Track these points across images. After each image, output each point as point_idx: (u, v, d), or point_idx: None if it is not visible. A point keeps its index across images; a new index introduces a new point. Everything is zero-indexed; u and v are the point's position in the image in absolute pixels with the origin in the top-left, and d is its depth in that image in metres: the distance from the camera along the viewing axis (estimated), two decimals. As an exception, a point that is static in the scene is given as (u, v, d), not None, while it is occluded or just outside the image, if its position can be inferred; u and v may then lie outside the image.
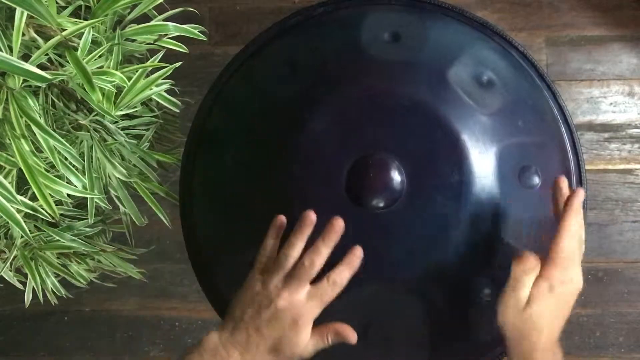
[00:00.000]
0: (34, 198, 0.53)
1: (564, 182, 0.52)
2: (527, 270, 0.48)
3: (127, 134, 0.66)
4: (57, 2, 0.52)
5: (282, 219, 0.52)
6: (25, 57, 0.49)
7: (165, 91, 0.63)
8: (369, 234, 0.54)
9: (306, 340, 0.48)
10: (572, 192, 0.50)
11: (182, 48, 0.62)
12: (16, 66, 0.44)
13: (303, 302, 0.48)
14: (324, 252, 0.48)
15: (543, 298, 0.48)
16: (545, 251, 0.49)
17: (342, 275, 0.49)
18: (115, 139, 0.63)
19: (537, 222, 0.57)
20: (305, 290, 0.48)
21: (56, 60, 0.53)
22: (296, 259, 0.49)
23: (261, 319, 0.47)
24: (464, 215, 0.53)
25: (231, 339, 0.47)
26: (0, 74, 0.49)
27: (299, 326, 0.47)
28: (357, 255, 0.49)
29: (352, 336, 0.49)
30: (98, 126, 0.61)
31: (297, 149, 0.55)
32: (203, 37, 0.62)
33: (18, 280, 0.74)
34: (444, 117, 0.54)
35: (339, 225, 0.49)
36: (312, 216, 0.50)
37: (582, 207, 0.51)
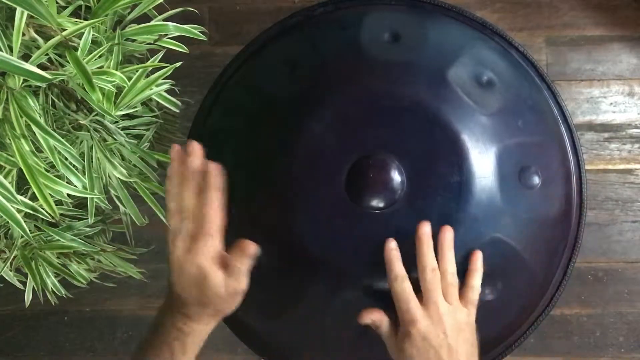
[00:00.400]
0: (34, 198, 0.53)
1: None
2: (379, 325, 0.52)
3: (127, 134, 0.66)
4: (57, 2, 0.52)
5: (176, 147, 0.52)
6: (26, 57, 0.49)
7: (166, 91, 0.63)
8: (369, 234, 0.54)
9: (219, 278, 0.49)
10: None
11: (182, 48, 0.62)
12: (16, 66, 0.44)
13: (197, 249, 0.48)
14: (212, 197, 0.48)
15: (407, 344, 0.49)
16: None
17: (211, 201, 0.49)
18: (115, 139, 0.63)
19: (537, 222, 0.57)
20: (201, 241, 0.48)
21: (56, 60, 0.53)
22: (189, 208, 0.49)
23: (174, 280, 0.49)
24: (463, 215, 0.53)
25: (170, 309, 0.50)
26: (0, 74, 0.49)
27: (203, 273, 0.48)
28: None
29: (251, 247, 0.50)
30: (98, 126, 0.61)
31: (297, 149, 0.55)
32: (203, 37, 0.62)
33: (18, 280, 0.74)
34: (443, 117, 0.54)
35: (195, 152, 0.50)
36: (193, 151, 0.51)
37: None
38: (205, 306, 0.50)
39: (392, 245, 0.52)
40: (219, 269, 0.49)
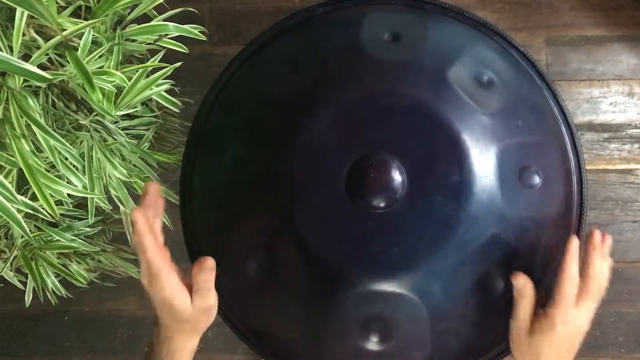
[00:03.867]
0: (34, 198, 0.53)
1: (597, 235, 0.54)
2: (521, 295, 0.52)
3: (127, 134, 0.66)
4: (57, 2, 0.52)
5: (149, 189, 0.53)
6: (26, 57, 0.49)
7: (166, 91, 0.63)
8: (369, 234, 0.54)
9: (184, 304, 0.50)
10: (571, 238, 0.53)
11: (182, 48, 0.62)
12: (16, 66, 0.44)
13: (154, 285, 0.50)
14: (139, 220, 0.49)
15: (542, 333, 0.51)
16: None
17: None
18: (116, 139, 0.63)
19: (537, 222, 0.57)
20: (146, 266, 0.50)
21: (56, 60, 0.53)
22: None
23: (153, 307, 0.52)
24: (464, 215, 0.53)
25: (157, 331, 0.53)
26: (0, 74, 0.49)
27: (168, 302, 0.50)
28: None
29: (208, 261, 0.51)
30: (98, 126, 0.61)
31: (297, 149, 0.55)
32: (203, 37, 0.62)
33: (18, 280, 0.74)
34: (444, 117, 0.54)
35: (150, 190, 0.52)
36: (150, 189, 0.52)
37: (598, 252, 0.53)
38: (182, 327, 0.52)
39: (576, 241, 0.53)
40: (183, 294, 0.51)
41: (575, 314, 0.51)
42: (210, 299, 0.52)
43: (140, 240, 0.50)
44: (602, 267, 0.53)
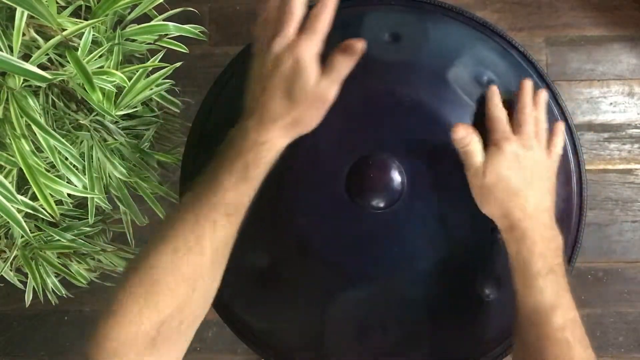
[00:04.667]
0: (34, 198, 0.53)
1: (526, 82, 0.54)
2: (462, 137, 0.49)
3: (127, 134, 0.66)
4: (57, 2, 0.52)
5: None
6: (26, 57, 0.49)
7: (166, 91, 0.63)
8: (369, 234, 0.54)
9: (314, 74, 0.46)
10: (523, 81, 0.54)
11: (182, 48, 0.62)
12: (16, 66, 0.44)
13: (299, 43, 0.46)
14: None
15: (494, 157, 0.49)
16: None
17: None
18: (116, 139, 0.63)
19: (537, 222, 0.57)
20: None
21: (56, 60, 0.53)
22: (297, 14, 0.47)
23: (258, 84, 0.47)
24: (464, 215, 0.53)
25: (242, 125, 0.47)
26: (0, 74, 0.49)
27: (300, 66, 0.45)
28: None
29: (358, 44, 0.46)
30: (98, 126, 0.61)
31: (297, 149, 0.55)
32: (203, 37, 0.62)
33: (18, 280, 0.74)
34: (444, 117, 0.54)
35: None
36: None
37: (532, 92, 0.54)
38: (286, 110, 0.46)
39: (495, 89, 0.53)
40: (316, 66, 0.46)
41: (531, 141, 0.51)
42: (334, 89, 0.46)
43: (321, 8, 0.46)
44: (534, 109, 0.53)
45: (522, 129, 0.51)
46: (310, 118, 0.47)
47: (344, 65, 0.46)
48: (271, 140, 0.46)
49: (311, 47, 0.46)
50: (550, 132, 0.54)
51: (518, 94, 0.54)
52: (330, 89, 0.46)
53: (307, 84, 0.45)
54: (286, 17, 0.46)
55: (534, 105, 0.53)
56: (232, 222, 0.46)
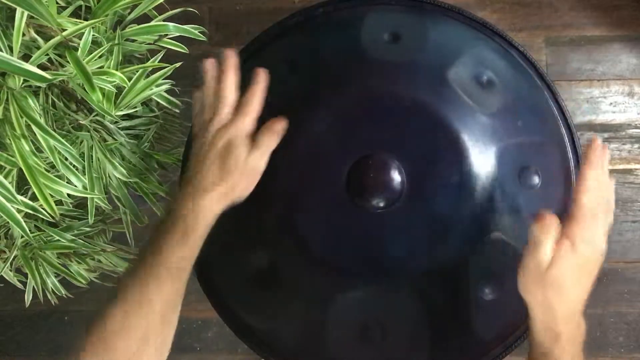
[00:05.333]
0: (34, 198, 0.53)
1: (595, 141, 0.51)
2: (545, 229, 0.47)
3: (127, 134, 0.66)
4: (57, 2, 0.52)
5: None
6: (26, 57, 0.49)
7: (166, 91, 0.63)
8: (369, 234, 0.54)
9: (244, 150, 0.51)
10: (589, 145, 0.50)
11: (182, 48, 0.62)
12: (16, 66, 0.44)
13: (232, 125, 0.52)
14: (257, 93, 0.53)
15: (565, 258, 0.47)
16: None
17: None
18: (116, 139, 0.63)
19: (537, 222, 0.57)
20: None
21: (56, 60, 0.53)
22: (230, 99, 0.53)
23: (197, 158, 0.52)
24: (464, 215, 0.53)
25: (182, 191, 0.52)
26: (0, 74, 0.49)
27: (233, 144, 0.51)
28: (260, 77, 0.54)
29: (279, 124, 0.53)
30: (98, 126, 0.61)
31: (297, 149, 0.55)
32: (203, 37, 0.62)
33: (18, 280, 0.74)
34: (444, 117, 0.54)
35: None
36: (230, 55, 0.56)
37: (603, 164, 0.51)
38: (221, 181, 0.51)
39: (599, 143, 0.51)
40: (247, 140, 0.52)
41: (593, 231, 0.48)
42: (264, 161, 0.52)
43: (252, 86, 0.53)
44: (605, 177, 0.51)
45: (584, 214, 0.48)
46: (243, 187, 0.52)
47: (269, 142, 0.52)
48: (207, 207, 0.51)
49: (242, 129, 0.52)
50: None
51: (581, 166, 0.50)
52: (259, 162, 0.52)
53: (239, 159, 0.51)
54: (220, 102, 0.54)
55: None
56: (176, 280, 0.50)
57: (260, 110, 0.53)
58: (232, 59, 0.56)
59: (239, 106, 0.53)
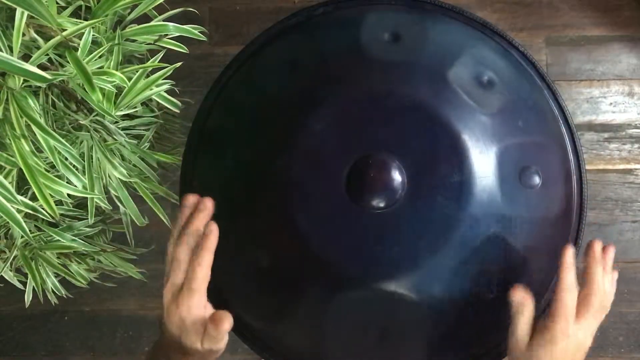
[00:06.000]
0: (34, 198, 0.53)
1: (597, 246, 0.52)
2: (519, 309, 0.50)
3: (127, 134, 0.66)
4: (57, 2, 0.52)
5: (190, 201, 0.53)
6: (26, 57, 0.49)
7: (166, 91, 0.63)
8: (369, 234, 0.54)
9: (196, 337, 0.49)
10: (564, 248, 0.51)
11: (182, 48, 0.62)
12: (16, 66, 0.44)
13: (182, 301, 0.49)
14: (205, 259, 0.49)
15: (542, 347, 0.49)
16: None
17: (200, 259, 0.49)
18: (116, 139, 0.63)
19: (537, 222, 0.57)
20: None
21: (56, 60, 0.53)
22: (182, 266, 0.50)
23: (164, 320, 0.50)
24: (464, 215, 0.53)
25: (159, 343, 0.52)
26: (0, 74, 0.49)
27: (185, 325, 0.49)
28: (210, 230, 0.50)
29: (226, 324, 0.49)
30: (98, 126, 0.61)
31: (297, 149, 0.55)
32: (203, 37, 0.62)
33: (18, 280, 0.74)
34: (444, 117, 0.54)
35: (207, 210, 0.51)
36: (190, 200, 0.52)
37: (599, 264, 0.51)
38: (185, 353, 0.50)
39: (571, 250, 0.51)
40: (198, 332, 0.49)
41: (576, 328, 0.50)
42: (220, 345, 0.50)
43: (203, 250, 0.49)
44: (603, 280, 0.51)
45: (585, 315, 0.50)
46: (211, 358, 0.52)
47: (218, 332, 0.49)
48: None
49: (191, 306, 0.48)
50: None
51: (586, 270, 0.52)
52: (216, 346, 0.50)
53: (192, 343, 0.49)
54: (173, 265, 0.50)
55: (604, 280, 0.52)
56: None
57: (208, 282, 0.49)
58: (205, 214, 0.52)
59: (189, 277, 0.49)
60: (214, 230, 0.50)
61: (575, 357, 0.50)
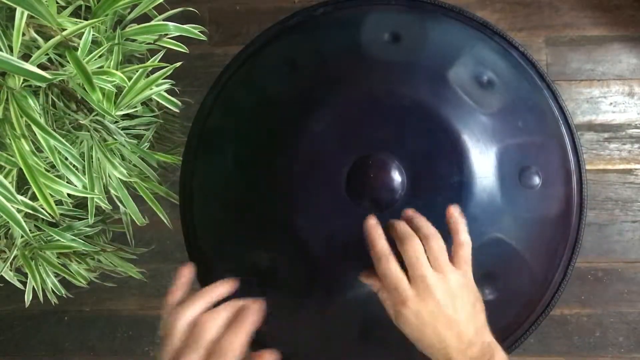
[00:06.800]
0: (34, 198, 0.53)
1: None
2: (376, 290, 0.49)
3: (127, 134, 0.66)
4: (57, 2, 0.52)
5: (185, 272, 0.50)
6: (26, 57, 0.49)
7: (166, 91, 0.63)
8: (369, 234, 0.54)
9: None
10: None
11: (182, 48, 0.62)
12: (16, 66, 0.44)
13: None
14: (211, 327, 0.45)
15: (402, 325, 0.48)
16: None
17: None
18: (116, 139, 0.63)
19: (537, 222, 0.57)
20: None
21: (56, 60, 0.53)
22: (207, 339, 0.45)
23: None
24: (464, 215, 0.53)
25: None
26: (0, 74, 0.49)
27: None
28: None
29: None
30: (98, 126, 0.61)
31: (297, 149, 0.55)
32: (203, 37, 0.62)
33: (18, 280, 0.74)
34: (444, 117, 0.54)
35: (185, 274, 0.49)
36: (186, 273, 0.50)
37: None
38: None
39: (373, 222, 0.49)
40: None
41: (395, 293, 0.47)
42: None
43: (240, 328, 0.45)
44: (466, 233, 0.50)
45: (414, 274, 0.46)
46: None
47: None
48: None
49: None
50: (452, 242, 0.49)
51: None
52: None
53: None
54: (194, 345, 0.44)
55: (415, 223, 0.49)
56: None
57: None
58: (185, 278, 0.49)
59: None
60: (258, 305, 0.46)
61: (453, 310, 0.47)
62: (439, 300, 0.46)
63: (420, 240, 0.48)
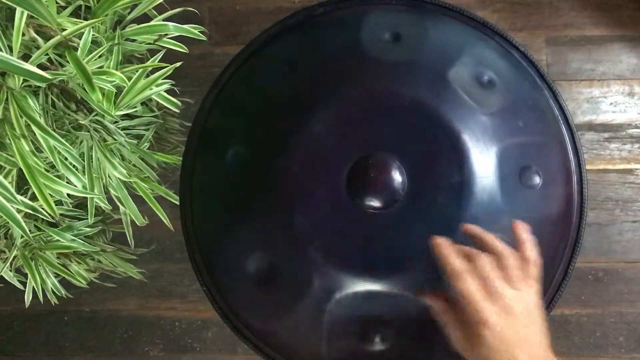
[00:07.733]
0: (34, 198, 0.53)
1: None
2: (437, 313, 0.50)
3: (127, 134, 0.66)
4: (57, 2, 0.52)
5: None
6: (25, 57, 0.49)
7: (165, 91, 0.63)
8: (369, 234, 0.54)
9: None
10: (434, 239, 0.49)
11: (182, 48, 0.62)
12: (16, 66, 0.44)
13: None
14: None
15: (476, 342, 0.46)
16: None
17: None
18: (115, 139, 0.63)
19: (537, 222, 0.57)
20: None
21: (56, 60, 0.53)
22: None
23: None
24: (464, 215, 0.53)
25: None
26: (0, 74, 0.49)
27: None
28: None
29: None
30: (98, 126, 0.61)
31: (297, 149, 0.55)
32: (203, 37, 0.62)
33: (18, 280, 0.74)
34: (444, 117, 0.54)
35: None
36: None
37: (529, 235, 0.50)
38: None
39: (439, 240, 0.48)
40: None
41: (474, 313, 0.46)
42: None
43: None
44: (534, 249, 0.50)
45: (493, 291, 0.46)
46: None
47: None
48: None
49: None
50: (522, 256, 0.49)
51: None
52: None
53: None
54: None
55: (484, 242, 0.49)
56: None
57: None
58: None
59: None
60: None
61: (527, 329, 0.46)
62: (520, 320, 0.45)
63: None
